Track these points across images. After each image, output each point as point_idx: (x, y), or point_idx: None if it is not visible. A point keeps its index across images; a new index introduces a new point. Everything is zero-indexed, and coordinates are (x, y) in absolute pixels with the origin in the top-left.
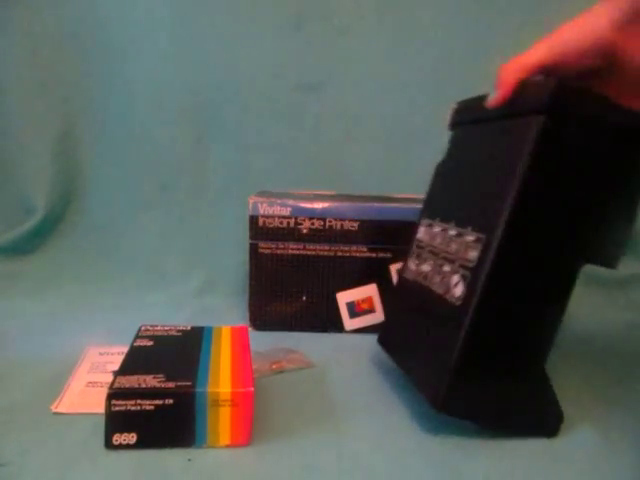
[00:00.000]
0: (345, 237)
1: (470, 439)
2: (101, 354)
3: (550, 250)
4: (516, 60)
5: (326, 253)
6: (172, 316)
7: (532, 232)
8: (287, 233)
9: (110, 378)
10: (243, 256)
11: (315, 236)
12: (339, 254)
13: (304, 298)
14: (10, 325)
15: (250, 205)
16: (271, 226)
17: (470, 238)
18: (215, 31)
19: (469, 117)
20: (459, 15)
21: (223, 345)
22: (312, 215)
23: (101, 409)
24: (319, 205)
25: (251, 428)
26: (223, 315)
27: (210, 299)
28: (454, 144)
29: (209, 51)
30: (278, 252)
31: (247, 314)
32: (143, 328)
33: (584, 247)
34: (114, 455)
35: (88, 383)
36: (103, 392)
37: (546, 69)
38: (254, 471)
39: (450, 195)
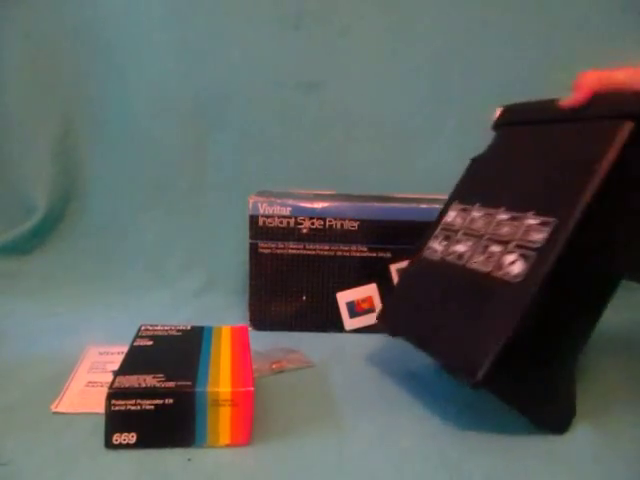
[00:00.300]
0: (345, 237)
1: (470, 438)
2: (101, 354)
3: (610, 248)
4: (601, 73)
5: (326, 253)
6: (172, 316)
7: (601, 224)
8: (287, 233)
9: (110, 378)
10: (243, 256)
11: (315, 236)
12: (339, 254)
13: (304, 298)
14: (10, 325)
15: (250, 205)
16: (271, 226)
17: (533, 221)
18: (215, 31)
19: (520, 119)
20: (459, 15)
21: (223, 345)
22: (312, 215)
23: (101, 409)
24: (319, 205)
25: (251, 428)
26: (223, 315)
27: (210, 299)
28: (502, 141)
29: (209, 51)
30: (278, 252)
31: (247, 314)
32: (143, 328)
33: (637, 253)
34: (114, 455)
35: (88, 383)
36: (103, 392)
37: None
38: (254, 471)
39: (496, 184)
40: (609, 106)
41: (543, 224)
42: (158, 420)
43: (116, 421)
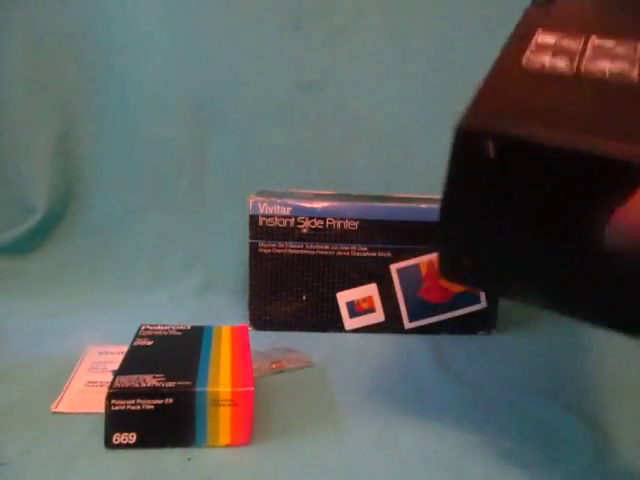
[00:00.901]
0: (345, 237)
1: (470, 439)
2: (101, 353)
3: None
4: None
5: (326, 253)
6: (172, 316)
7: None
8: (287, 233)
9: (110, 377)
10: (243, 256)
11: (315, 236)
12: (339, 254)
13: (304, 298)
14: (10, 325)
15: (250, 205)
16: (271, 225)
17: None
18: (215, 31)
19: None
20: (459, 15)
21: (223, 345)
22: (312, 215)
23: (101, 408)
24: (319, 205)
25: (251, 428)
26: (223, 315)
27: (210, 299)
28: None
29: (209, 51)
30: (278, 252)
31: (247, 314)
32: (143, 327)
33: None
34: (114, 454)
35: (88, 382)
36: (103, 391)
37: None
38: (254, 471)
39: (610, 16)
40: None
41: None
42: (158, 420)
43: (116, 421)
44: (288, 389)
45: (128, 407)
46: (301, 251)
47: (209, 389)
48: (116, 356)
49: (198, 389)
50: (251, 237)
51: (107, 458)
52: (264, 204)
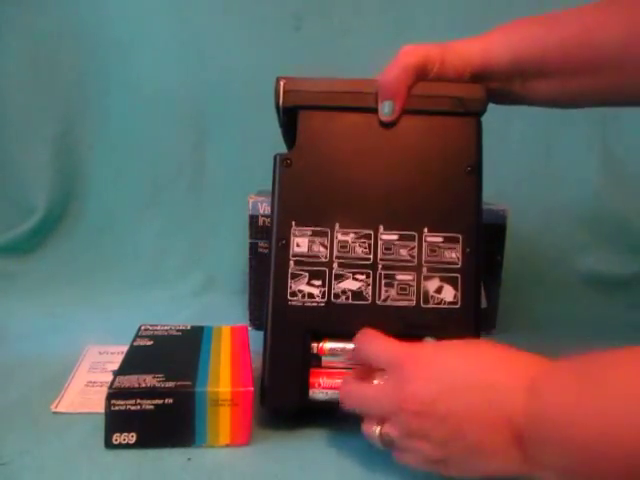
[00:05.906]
0: None
1: None
2: (101, 354)
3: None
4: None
5: None
6: (172, 316)
7: None
8: None
9: (110, 378)
10: (243, 256)
11: None
12: None
13: None
14: (10, 325)
15: (250, 204)
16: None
17: (434, 239)
18: (215, 31)
19: (320, 101)
20: (459, 15)
21: (223, 345)
22: None
23: (101, 409)
24: None
25: (251, 427)
26: (223, 315)
27: (210, 299)
28: (312, 132)
29: (209, 51)
30: None
31: (247, 314)
32: (143, 328)
33: None
34: (114, 454)
35: (88, 383)
36: (103, 392)
37: None
38: (254, 471)
39: (349, 197)
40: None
41: (448, 241)
42: (158, 420)
43: (116, 421)
44: None
45: (128, 407)
46: None
47: (209, 389)
48: (116, 356)
49: (198, 389)
50: (251, 237)
51: (107, 458)
52: (264, 204)
